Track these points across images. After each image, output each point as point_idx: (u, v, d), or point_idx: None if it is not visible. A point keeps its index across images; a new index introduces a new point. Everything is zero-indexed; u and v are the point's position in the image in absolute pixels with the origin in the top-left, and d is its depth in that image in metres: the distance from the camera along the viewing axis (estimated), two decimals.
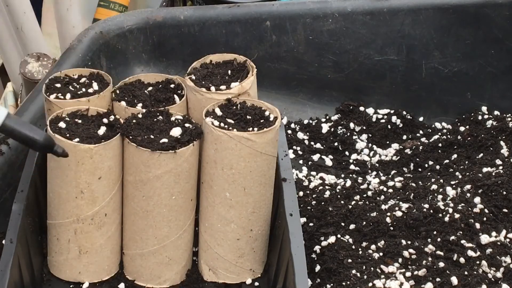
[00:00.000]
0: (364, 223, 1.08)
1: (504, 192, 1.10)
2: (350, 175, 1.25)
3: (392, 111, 1.38)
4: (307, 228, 1.10)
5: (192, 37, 1.35)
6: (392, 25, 1.37)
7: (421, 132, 1.37)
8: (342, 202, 1.14)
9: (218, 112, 0.99)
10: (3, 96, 1.63)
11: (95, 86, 1.05)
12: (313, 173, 1.26)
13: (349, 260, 1.02)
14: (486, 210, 1.08)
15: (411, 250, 1.03)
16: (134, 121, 0.98)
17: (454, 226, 1.05)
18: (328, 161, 1.29)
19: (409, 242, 1.05)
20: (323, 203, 1.14)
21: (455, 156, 1.27)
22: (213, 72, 1.06)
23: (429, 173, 1.24)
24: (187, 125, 0.98)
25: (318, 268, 1.03)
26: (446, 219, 1.06)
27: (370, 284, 0.98)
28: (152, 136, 0.96)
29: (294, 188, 1.01)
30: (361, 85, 1.40)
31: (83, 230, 0.98)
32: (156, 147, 0.94)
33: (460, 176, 1.19)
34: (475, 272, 1.00)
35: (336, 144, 1.33)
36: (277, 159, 1.01)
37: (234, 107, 1.00)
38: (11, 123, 0.81)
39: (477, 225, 1.06)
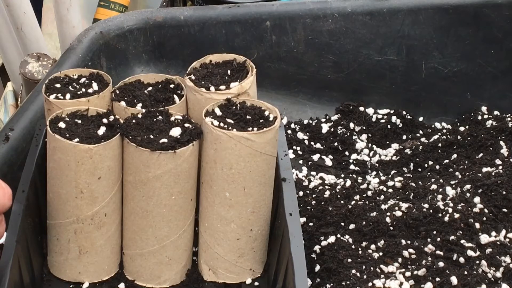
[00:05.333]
0: (364, 223, 1.08)
1: (504, 192, 1.10)
2: (350, 175, 1.25)
3: (392, 111, 1.38)
4: (307, 228, 1.10)
5: (192, 37, 1.35)
6: (392, 25, 1.38)
7: (421, 132, 1.37)
8: (342, 202, 1.14)
9: (218, 112, 0.99)
10: (3, 96, 1.63)
11: (95, 86, 1.05)
12: (313, 173, 1.26)
13: (349, 260, 1.02)
14: (485, 210, 1.08)
15: (410, 250, 1.03)
16: (133, 121, 0.98)
17: (453, 226, 1.05)
18: (328, 161, 1.29)
19: (409, 242, 1.05)
20: (323, 203, 1.14)
21: (455, 156, 1.27)
22: (212, 72, 1.06)
23: (429, 173, 1.24)
24: (186, 125, 0.98)
25: (318, 268, 1.03)
26: (446, 219, 1.06)
27: (370, 284, 0.98)
28: (151, 136, 0.96)
29: (294, 188, 1.01)
30: (361, 85, 1.40)
31: (83, 230, 0.99)
32: (155, 147, 0.94)
33: (460, 176, 1.19)
34: (474, 272, 1.00)
35: (336, 144, 1.33)
36: (277, 159, 1.01)
37: (234, 107, 1.00)
38: None
39: (477, 225, 1.06)
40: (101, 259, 1.01)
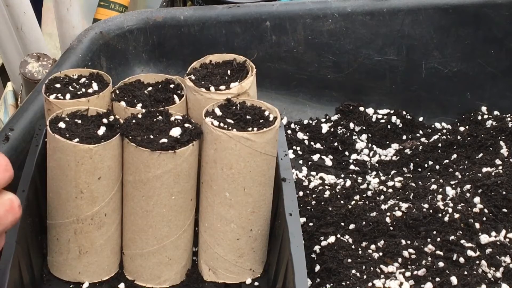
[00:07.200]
0: (364, 223, 1.08)
1: (504, 192, 1.10)
2: (350, 175, 1.25)
3: (392, 111, 1.38)
4: (306, 228, 1.10)
5: (192, 37, 1.35)
6: (392, 25, 1.38)
7: (421, 132, 1.37)
8: (342, 202, 1.14)
9: (218, 112, 0.99)
10: (3, 96, 1.63)
11: (94, 86, 1.05)
12: (313, 173, 1.26)
13: (349, 260, 1.02)
14: (485, 210, 1.08)
15: (410, 250, 1.03)
16: (133, 121, 0.98)
17: (453, 226, 1.05)
18: (328, 161, 1.29)
19: (408, 242, 1.05)
20: (323, 203, 1.14)
21: (455, 156, 1.27)
22: (212, 72, 1.06)
23: (428, 173, 1.24)
24: (186, 125, 0.98)
25: (317, 268, 1.03)
26: (446, 219, 1.06)
27: (370, 284, 0.98)
28: (151, 136, 0.96)
29: (294, 188, 1.01)
30: (361, 85, 1.40)
31: (83, 230, 0.99)
32: (155, 147, 0.94)
33: (459, 176, 1.19)
34: (474, 272, 1.00)
35: (336, 144, 1.33)
36: (277, 159, 1.01)
37: (234, 107, 1.00)
38: None
39: (477, 225, 1.06)
40: (101, 259, 1.01)
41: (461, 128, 1.34)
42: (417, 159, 1.28)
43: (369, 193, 1.17)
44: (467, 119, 1.38)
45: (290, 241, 0.93)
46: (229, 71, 1.06)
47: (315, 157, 1.30)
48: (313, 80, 1.39)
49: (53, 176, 0.98)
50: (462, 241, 1.03)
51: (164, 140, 0.95)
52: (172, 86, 1.07)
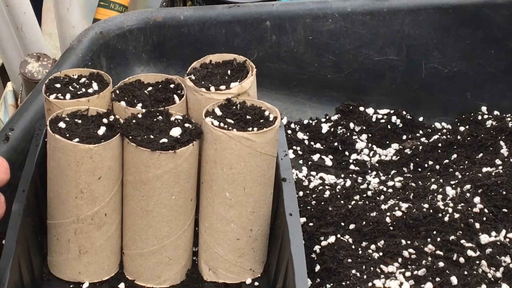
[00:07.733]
0: (364, 223, 1.08)
1: (504, 192, 1.10)
2: (350, 175, 1.25)
3: (392, 111, 1.38)
4: (307, 228, 1.10)
5: (192, 37, 1.35)
6: (392, 25, 1.38)
7: (421, 132, 1.37)
8: (342, 202, 1.14)
9: (218, 112, 0.99)
10: (3, 96, 1.63)
11: (95, 86, 1.05)
12: (313, 173, 1.26)
13: (349, 260, 1.02)
14: (485, 210, 1.08)
15: (410, 250, 1.03)
16: (133, 121, 0.98)
17: (453, 226, 1.05)
18: (328, 161, 1.29)
19: (408, 242, 1.05)
20: (323, 203, 1.14)
21: (455, 156, 1.27)
22: (212, 72, 1.06)
23: (429, 173, 1.24)
24: (186, 125, 0.98)
25: (318, 268, 1.03)
26: (446, 219, 1.06)
27: (370, 284, 0.98)
28: (152, 136, 0.96)
29: (294, 188, 1.01)
30: (361, 85, 1.40)
31: (83, 230, 0.99)
32: (155, 147, 0.94)
33: (460, 176, 1.19)
34: (474, 272, 1.00)
35: (336, 144, 1.33)
36: (277, 159, 1.01)
37: (234, 107, 1.00)
38: None
39: (477, 225, 1.06)
40: (101, 259, 1.01)
41: (461, 128, 1.34)
42: (417, 159, 1.28)
43: (369, 193, 1.17)
44: (467, 119, 1.38)
45: (290, 241, 0.93)
46: (229, 71, 1.06)
47: (315, 157, 1.30)
48: (313, 80, 1.39)
49: (53, 176, 0.98)
50: (462, 241, 1.03)
51: (164, 140, 0.95)
52: (172, 86, 1.07)
